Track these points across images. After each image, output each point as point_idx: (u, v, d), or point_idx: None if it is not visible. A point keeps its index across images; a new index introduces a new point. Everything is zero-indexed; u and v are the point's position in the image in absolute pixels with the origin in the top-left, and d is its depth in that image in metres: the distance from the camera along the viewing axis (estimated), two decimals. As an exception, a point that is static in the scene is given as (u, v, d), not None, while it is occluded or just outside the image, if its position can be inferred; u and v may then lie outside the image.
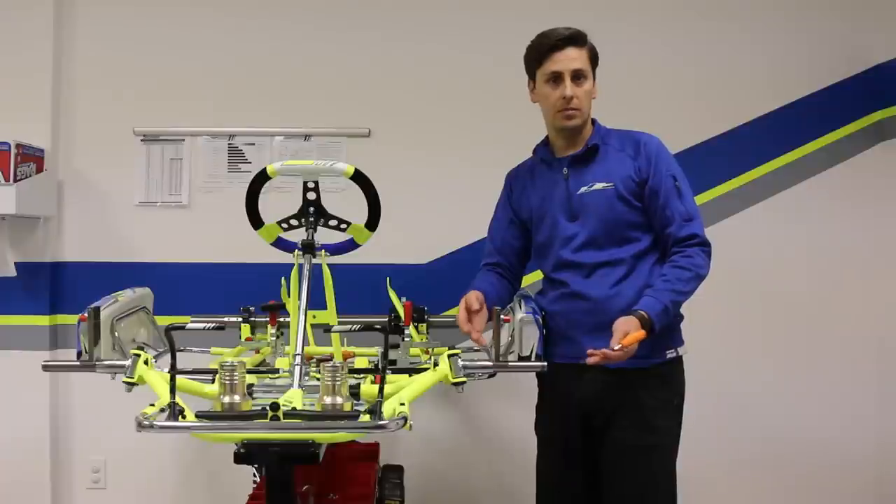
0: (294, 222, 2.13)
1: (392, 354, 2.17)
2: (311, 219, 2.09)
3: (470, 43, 3.09)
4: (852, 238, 3.11)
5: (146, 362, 1.86)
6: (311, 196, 2.09)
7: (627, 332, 1.95)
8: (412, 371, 2.01)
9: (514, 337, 2.06)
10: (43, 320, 3.02)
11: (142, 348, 1.94)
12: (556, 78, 2.16)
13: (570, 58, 2.14)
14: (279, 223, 2.13)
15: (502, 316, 2.02)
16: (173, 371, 1.56)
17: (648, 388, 2.14)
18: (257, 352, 2.46)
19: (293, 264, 2.04)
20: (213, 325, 1.79)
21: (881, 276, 3.11)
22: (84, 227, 3.09)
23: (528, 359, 2.03)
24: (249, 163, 3.10)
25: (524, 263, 2.41)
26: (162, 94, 3.10)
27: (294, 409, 1.54)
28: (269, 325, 2.44)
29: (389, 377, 1.78)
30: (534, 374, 2.26)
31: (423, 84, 3.10)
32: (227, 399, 1.51)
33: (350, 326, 1.73)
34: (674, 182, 2.15)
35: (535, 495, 2.35)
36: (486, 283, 2.28)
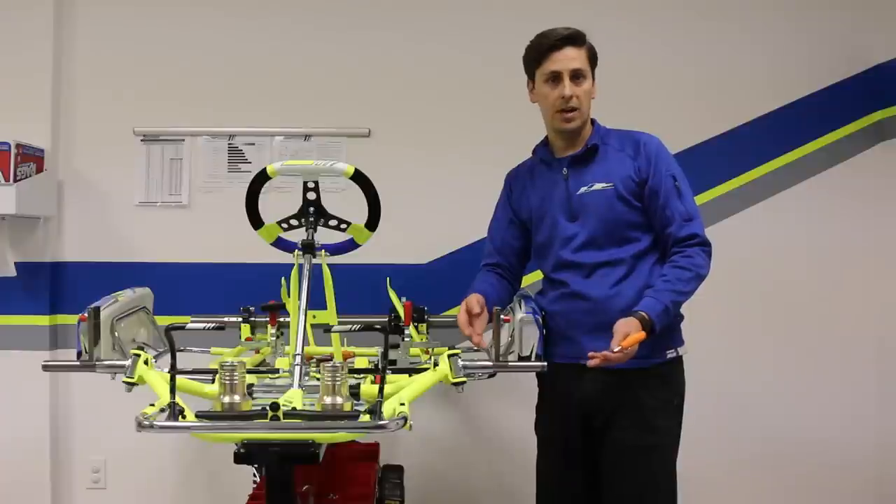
0: (294, 222, 2.13)
1: (392, 354, 2.17)
2: (311, 219, 2.09)
3: (470, 43, 3.09)
4: (852, 238, 3.12)
5: (146, 362, 1.86)
6: (311, 196, 2.09)
7: (628, 334, 1.94)
8: (412, 371, 2.02)
9: (514, 337, 2.06)
10: (43, 320, 3.02)
11: (142, 348, 1.94)
12: (555, 78, 2.16)
13: (569, 57, 2.14)
14: (279, 223, 2.13)
15: (502, 316, 2.01)
16: (173, 371, 1.56)
17: (648, 388, 2.14)
18: (257, 352, 2.46)
19: (293, 264, 2.04)
20: (213, 325, 1.79)
21: (881, 275, 3.11)
22: (84, 227, 3.09)
23: (528, 359, 2.03)
24: (249, 163, 3.10)
25: (524, 264, 2.41)
26: (162, 94, 3.10)
27: (294, 409, 1.54)
28: (269, 325, 2.44)
29: (389, 377, 1.78)
30: (534, 374, 2.26)
31: (423, 84, 3.10)
32: (227, 399, 1.51)
33: (350, 326, 1.73)
34: (674, 182, 2.15)
35: (535, 495, 2.35)
36: (486, 285, 2.28)
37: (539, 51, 2.18)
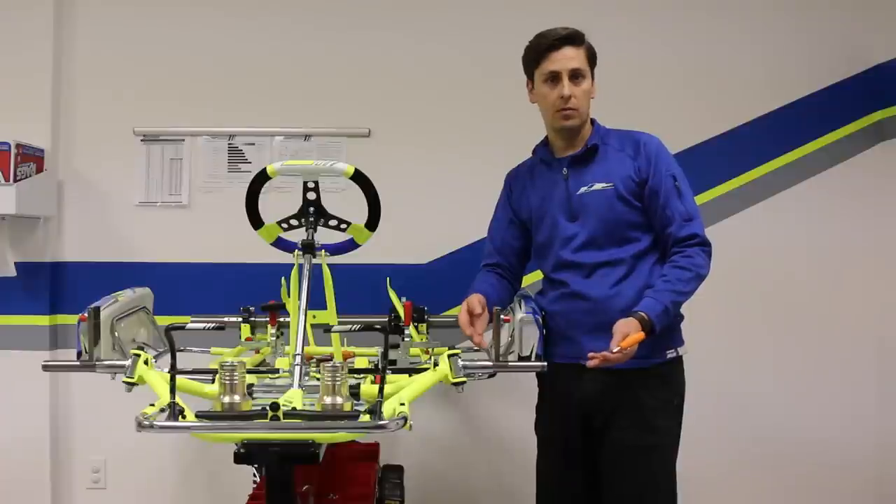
0: (294, 222, 2.13)
1: (392, 354, 2.17)
2: (311, 219, 2.09)
3: (470, 43, 3.09)
4: (852, 238, 3.12)
5: (146, 362, 1.86)
6: (311, 196, 2.09)
7: (627, 334, 1.94)
8: (412, 371, 2.01)
9: (514, 337, 2.06)
10: (43, 320, 3.02)
11: (142, 348, 1.94)
12: (554, 78, 2.16)
13: (568, 57, 2.14)
14: (279, 223, 2.13)
15: (502, 316, 2.01)
16: (173, 371, 1.56)
17: (648, 388, 2.14)
18: (257, 352, 2.46)
19: (293, 264, 2.04)
20: (213, 325, 1.79)
21: (881, 275, 3.11)
22: (84, 227, 3.09)
23: (528, 359, 2.03)
24: (249, 163, 3.10)
25: (524, 264, 2.41)
26: (162, 94, 3.10)
27: (294, 409, 1.54)
28: (269, 325, 2.44)
29: (389, 377, 1.78)
30: (534, 374, 2.26)
31: (423, 84, 3.10)
32: (227, 399, 1.51)
33: (350, 326, 1.73)
34: (674, 182, 2.15)
35: (535, 495, 2.35)
36: (486, 285, 2.28)
37: (538, 51, 2.18)
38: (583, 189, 2.18)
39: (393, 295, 2.52)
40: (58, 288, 3.06)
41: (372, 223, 2.11)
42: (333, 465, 2.38)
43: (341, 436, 1.57)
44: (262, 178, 2.08)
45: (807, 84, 3.11)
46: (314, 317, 2.05)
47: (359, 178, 2.04)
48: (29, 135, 2.93)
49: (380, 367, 1.82)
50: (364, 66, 3.10)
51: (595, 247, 2.17)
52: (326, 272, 2.08)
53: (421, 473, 3.01)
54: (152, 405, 1.60)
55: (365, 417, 1.53)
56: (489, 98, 3.05)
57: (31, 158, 2.91)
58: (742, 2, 3.13)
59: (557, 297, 2.22)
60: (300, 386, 1.72)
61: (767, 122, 3.11)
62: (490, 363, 1.96)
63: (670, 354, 2.17)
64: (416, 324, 2.48)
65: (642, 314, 2.00)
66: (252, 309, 2.54)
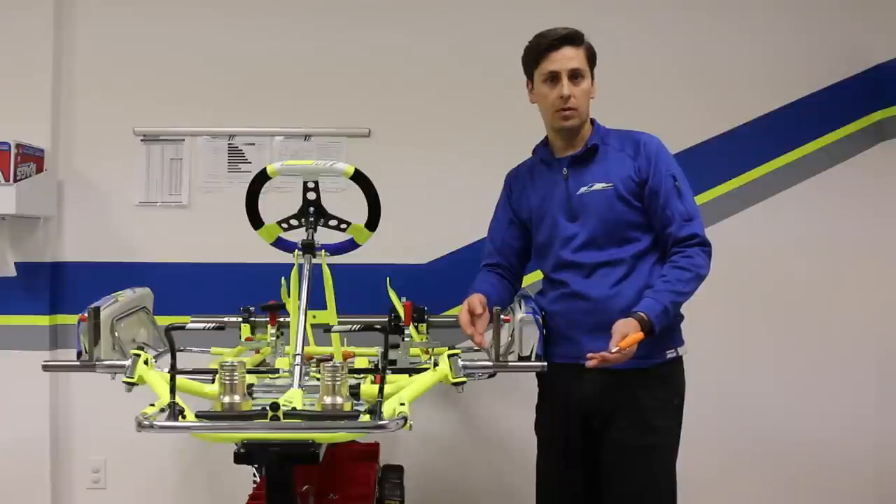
0: (294, 222, 2.13)
1: (392, 354, 2.17)
2: (311, 219, 2.09)
3: (470, 43, 3.09)
4: (852, 238, 3.11)
5: (146, 362, 1.86)
6: (311, 196, 2.09)
7: (626, 334, 1.94)
8: (412, 371, 2.01)
9: (514, 337, 2.06)
10: (43, 320, 3.02)
11: (142, 348, 1.94)
12: (554, 78, 2.16)
13: (567, 57, 2.15)
14: (279, 223, 2.13)
15: (502, 316, 2.01)
16: (173, 371, 1.56)
17: (648, 389, 2.14)
18: (257, 352, 2.46)
19: (293, 264, 2.04)
20: (213, 325, 1.79)
21: (881, 275, 3.11)
22: (84, 227, 3.09)
23: (528, 359, 2.03)
24: (249, 163, 3.10)
25: (524, 264, 2.41)
26: (162, 94, 3.10)
27: (294, 409, 1.54)
28: (269, 325, 2.44)
29: (389, 377, 1.78)
30: (534, 374, 2.26)
31: (423, 84, 3.10)
32: (227, 399, 1.51)
33: (350, 326, 1.73)
34: (674, 182, 2.15)
35: (535, 495, 2.35)
36: (486, 285, 2.28)
37: (537, 51, 2.18)
38: (583, 189, 2.18)
39: (393, 295, 2.52)
40: (58, 288, 3.06)
41: (372, 223, 2.11)
42: (333, 465, 2.38)
43: (341, 436, 1.57)
44: (262, 178, 2.08)
45: (807, 84, 3.11)
46: (314, 317, 2.05)
47: (359, 178, 2.04)
48: (29, 135, 2.93)
49: (380, 367, 1.82)
50: (364, 66, 3.10)
51: (595, 247, 2.17)
52: (326, 272, 2.08)
53: (421, 473, 3.01)
54: (152, 405, 1.60)
55: (365, 417, 1.53)
56: (489, 98, 3.05)
57: (31, 158, 2.92)
58: (742, 2, 3.13)
59: (557, 297, 2.22)
60: (300, 386, 1.72)
61: (767, 122, 3.11)
62: (490, 363, 1.96)
63: (670, 354, 2.17)
64: (416, 324, 2.48)
65: (641, 314, 2.00)
66: (252, 309, 2.54)
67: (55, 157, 3.05)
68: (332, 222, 2.12)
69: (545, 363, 2.00)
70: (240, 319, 2.54)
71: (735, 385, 3.10)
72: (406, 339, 2.33)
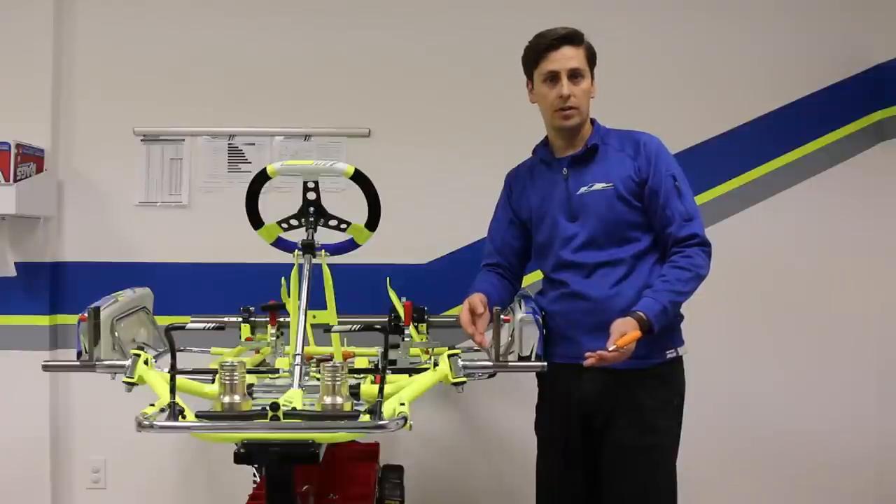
0: (294, 222, 2.13)
1: (392, 354, 2.17)
2: (311, 219, 2.09)
3: (470, 43, 3.09)
4: (852, 238, 3.11)
5: (146, 362, 1.86)
6: (311, 196, 2.09)
7: (624, 333, 1.95)
8: (412, 371, 2.02)
9: (514, 337, 2.06)
10: (43, 320, 3.02)
11: (142, 348, 1.94)
12: (553, 77, 2.16)
13: (567, 57, 2.15)
14: (279, 223, 2.13)
15: (502, 316, 2.01)
16: (173, 371, 1.56)
17: (648, 389, 2.14)
18: (257, 352, 2.46)
19: (293, 264, 2.04)
20: (213, 325, 1.79)
21: (881, 276, 3.11)
22: (84, 227, 3.09)
23: (528, 359, 2.03)
24: (249, 163, 3.10)
25: (524, 264, 2.41)
26: (162, 94, 3.10)
27: (294, 409, 1.54)
28: (269, 325, 2.44)
29: (389, 377, 1.78)
30: (534, 374, 2.26)
31: (423, 84, 3.10)
32: (227, 399, 1.51)
33: (350, 326, 1.73)
34: (674, 182, 2.15)
35: (535, 495, 2.35)
36: (487, 284, 2.28)
37: (537, 51, 2.18)
38: (583, 189, 2.18)
39: (393, 295, 2.52)
40: (58, 288, 3.06)
41: (372, 223, 2.11)
42: (333, 465, 2.38)
43: (341, 436, 1.57)
44: (262, 178, 2.08)
45: (807, 84, 3.11)
46: (314, 317, 2.05)
47: (359, 178, 2.04)
48: (29, 135, 2.93)
49: (380, 367, 1.82)
50: (364, 66, 3.10)
51: (595, 247, 2.17)
52: (326, 272, 2.08)
53: (421, 473, 3.01)
54: (152, 405, 1.60)
55: (365, 417, 1.53)
56: (489, 98, 3.05)
57: (31, 158, 2.92)
58: (742, 2, 3.13)
59: (557, 297, 2.22)
60: (300, 386, 1.72)
61: (767, 122, 3.11)
62: (490, 363, 1.96)
63: (670, 354, 2.17)
64: (416, 324, 2.48)
65: (640, 314, 2.00)
66: (252, 309, 2.54)
67: (55, 157, 3.05)
68: (332, 222, 2.12)
69: (545, 363, 2.00)
70: (240, 319, 2.55)
71: (735, 385, 3.10)
72: (406, 339, 2.33)
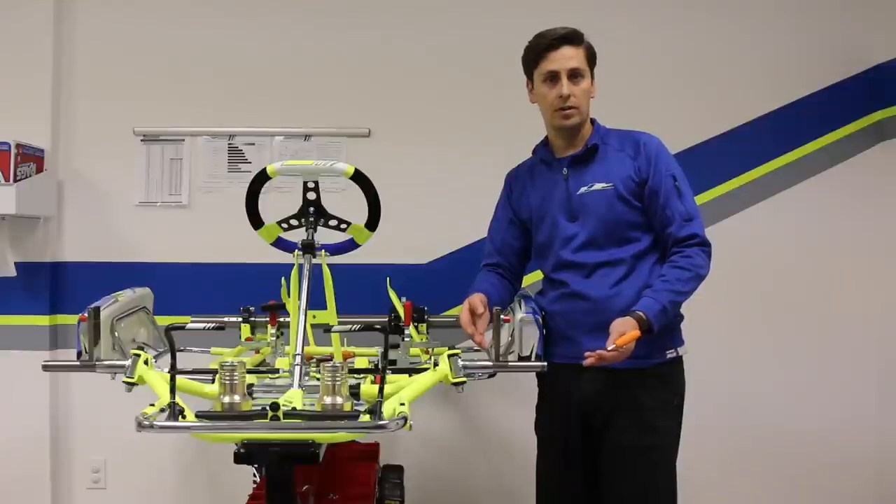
0: (294, 222, 2.13)
1: (392, 354, 2.17)
2: (311, 219, 2.09)
3: (470, 43, 3.09)
4: (852, 238, 3.12)
5: (146, 362, 1.86)
6: (311, 196, 2.09)
7: (623, 333, 1.95)
8: (412, 371, 2.02)
9: (514, 337, 2.06)
10: (43, 320, 3.02)
11: (142, 348, 1.94)
12: (553, 77, 2.16)
13: (567, 56, 2.15)
14: (279, 223, 2.13)
15: (502, 316, 2.01)
16: (173, 371, 1.56)
17: (648, 389, 2.14)
18: (257, 352, 2.46)
19: (293, 264, 2.04)
20: (213, 325, 1.79)
21: (881, 275, 3.11)
22: (84, 227, 3.09)
23: (528, 359, 2.03)
24: (249, 163, 3.10)
25: (524, 263, 2.41)
26: (162, 94, 3.10)
27: (294, 409, 1.54)
28: (269, 325, 2.44)
29: (389, 377, 1.78)
30: (534, 374, 2.26)
31: (423, 84, 3.10)
32: (227, 399, 1.51)
33: (350, 326, 1.73)
34: (674, 182, 2.15)
35: (535, 495, 2.35)
36: (487, 284, 2.28)
37: (536, 51, 2.18)
38: (583, 189, 2.18)
39: (393, 295, 2.52)
40: (58, 288, 3.06)
41: (372, 223, 2.11)
42: (333, 465, 2.38)
43: (341, 436, 1.57)
44: (262, 178, 2.08)
45: (807, 84, 3.11)
46: (314, 317, 2.05)
47: (359, 178, 2.04)
48: (29, 135, 2.93)
49: (380, 367, 1.82)
50: (364, 66, 3.10)
51: (595, 247, 2.17)
52: (326, 272, 2.08)
53: (421, 473, 3.01)
54: (152, 405, 1.60)
55: (365, 417, 1.53)
56: (489, 98, 3.05)
57: (31, 158, 2.92)
58: (742, 2, 3.13)
59: (557, 297, 2.22)
60: (300, 386, 1.72)
61: (767, 122, 3.11)
62: (490, 363, 1.96)
63: (670, 354, 2.17)
64: (416, 324, 2.48)
65: (640, 313, 2.00)
66: (252, 309, 2.54)
67: (55, 157, 3.05)
68: (332, 222, 2.12)
69: (545, 363, 2.00)
70: (240, 319, 2.54)
71: (735, 385, 3.10)
72: (406, 339, 2.33)
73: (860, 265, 3.12)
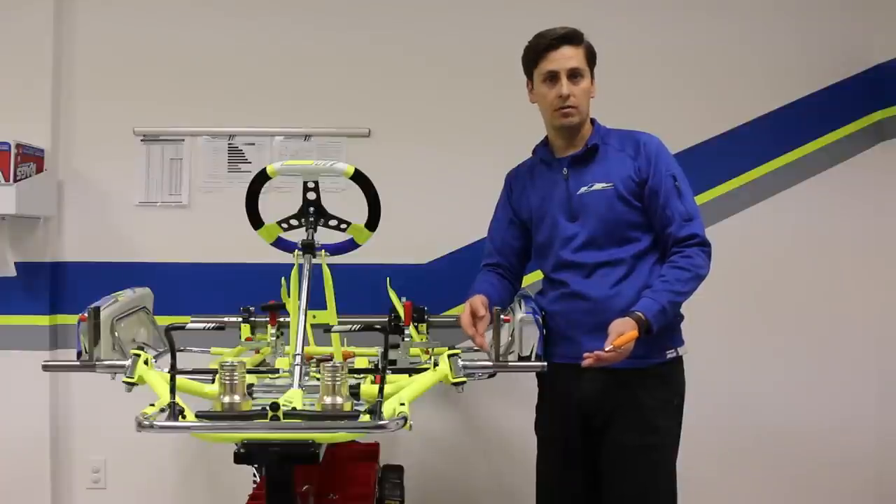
0: (294, 222, 2.12)
1: (392, 354, 2.17)
2: (311, 219, 2.09)
3: (470, 43, 3.09)
4: (852, 238, 3.12)
5: (146, 362, 1.86)
6: (311, 196, 2.09)
7: (622, 333, 1.94)
8: (412, 371, 2.01)
9: (514, 337, 2.06)
10: (43, 320, 3.02)
11: (142, 348, 1.94)
12: (553, 77, 2.16)
13: (566, 56, 2.15)
14: (279, 223, 2.13)
15: (502, 316, 2.01)
16: (173, 371, 1.56)
17: (648, 389, 2.14)
18: (257, 352, 2.46)
19: (293, 264, 2.03)
20: (213, 325, 1.79)
21: (881, 276, 3.11)
22: (84, 227, 3.09)
23: (528, 359, 2.03)
24: (249, 163, 3.10)
25: (524, 263, 2.41)
26: (162, 94, 3.10)
27: (294, 409, 1.54)
28: (269, 325, 2.44)
29: (389, 377, 1.78)
30: (534, 374, 2.26)
31: (423, 84, 3.10)
32: (227, 399, 1.51)
33: (350, 326, 1.73)
34: (674, 182, 2.15)
35: (535, 495, 2.35)
36: (487, 285, 2.28)
37: (536, 51, 2.18)
38: (583, 189, 2.18)
39: (393, 295, 2.52)
40: (58, 288, 3.06)
41: (372, 223, 2.11)
42: (333, 465, 2.38)
43: (341, 436, 1.57)
44: (262, 178, 2.08)
45: (807, 84, 3.11)
46: (314, 317, 2.05)
47: (359, 178, 2.04)
48: (29, 135, 2.93)
49: (380, 367, 1.82)
50: (364, 66, 3.10)
51: (595, 247, 2.17)
52: (326, 272, 2.08)
53: (421, 473, 3.01)
54: (152, 405, 1.60)
55: (365, 417, 1.53)
56: (489, 98, 3.05)
57: (31, 158, 2.92)
58: (742, 2, 3.13)
59: (557, 297, 2.22)
60: (300, 386, 1.72)
61: (767, 122, 3.11)
62: (490, 363, 1.96)
63: (670, 354, 2.17)
64: (416, 324, 2.47)
65: (639, 314, 2.00)
66: (252, 309, 2.54)
67: (55, 157, 3.05)
68: (332, 222, 2.12)
69: (545, 363, 2.00)
70: (240, 319, 2.54)
71: (735, 385, 3.10)
72: (406, 339, 2.33)
73: (860, 265, 3.12)
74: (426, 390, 1.77)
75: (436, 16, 3.11)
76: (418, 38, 3.11)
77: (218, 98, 3.11)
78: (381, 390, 1.55)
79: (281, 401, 1.52)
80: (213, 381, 1.74)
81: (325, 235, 2.12)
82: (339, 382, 1.53)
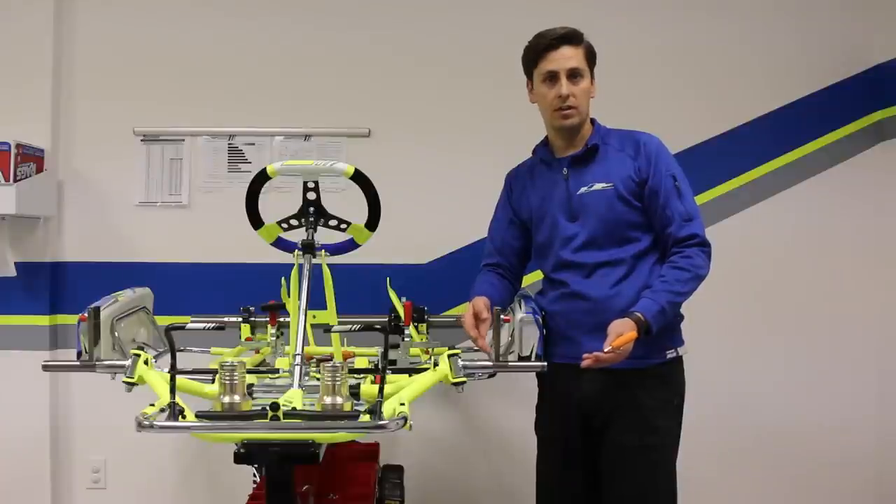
0: (294, 222, 2.13)
1: (392, 354, 2.17)
2: (311, 219, 2.09)
3: (470, 43, 3.09)
4: (852, 238, 3.11)
5: (146, 362, 1.86)
6: (311, 196, 2.09)
7: (621, 334, 1.94)
8: (412, 371, 2.01)
9: (514, 337, 2.06)
10: (43, 320, 3.02)
11: (142, 348, 1.94)
12: (552, 77, 2.16)
13: (566, 56, 2.15)
14: (279, 223, 2.13)
15: (502, 316, 2.02)
16: (173, 371, 1.56)
17: (648, 389, 2.14)
18: (257, 352, 2.46)
19: (293, 264, 2.03)
20: (213, 325, 1.79)
21: (881, 275, 3.11)
22: (84, 227, 3.09)
23: (528, 359, 2.03)
24: (249, 163, 3.10)
25: (524, 263, 2.41)
26: (162, 94, 3.10)
27: (294, 409, 1.54)
28: (269, 325, 2.44)
29: (389, 377, 1.78)
30: (534, 374, 2.26)
31: (423, 84, 3.10)
32: (227, 399, 1.51)
33: (350, 326, 1.73)
34: (674, 182, 2.15)
35: (535, 495, 2.35)
36: (487, 286, 2.28)
37: (536, 51, 2.18)
38: (583, 189, 2.18)
39: (393, 295, 2.52)
40: (58, 288, 3.06)
41: (372, 223, 2.11)
42: (333, 465, 2.38)
43: (341, 436, 1.57)
44: (262, 178, 2.08)
45: (807, 84, 3.11)
46: (314, 317, 2.05)
47: (359, 178, 2.04)
48: (29, 135, 2.93)
49: (380, 367, 1.82)
50: (364, 66, 3.10)
51: (595, 247, 2.17)
52: (326, 272, 2.08)
53: (421, 473, 3.01)
54: (152, 405, 1.60)
55: (365, 417, 1.53)
56: (489, 98, 3.05)
57: (31, 158, 2.92)
58: (742, 2, 3.13)
59: (557, 297, 2.22)
60: (300, 386, 1.72)
61: (767, 122, 3.11)
62: (490, 363, 1.96)
63: (670, 355, 2.17)
64: (416, 324, 2.47)
65: (638, 314, 2.00)
66: (252, 309, 2.54)
67: (55, 157, 3.05)
68: (332, 222, 2.12)
69: (545, 363, 2.00)
70: (240, 319, 2.54)
71: (735, 385, 3.10)
72: (406, 339, 2.33)
73: (860, 265, 3.12)
74: (426, 390, 1.77)
75: (436, 16, 3.11)
76: (418, 38, 3.11)
77: (218, 98, 3.11)
78: (381, 390, 1.55)
79: (281, 401, 1.51)
80: (213, 381, 1.74)
81: (325, 235, 2.12)
82: (339, 382, 1.53)
